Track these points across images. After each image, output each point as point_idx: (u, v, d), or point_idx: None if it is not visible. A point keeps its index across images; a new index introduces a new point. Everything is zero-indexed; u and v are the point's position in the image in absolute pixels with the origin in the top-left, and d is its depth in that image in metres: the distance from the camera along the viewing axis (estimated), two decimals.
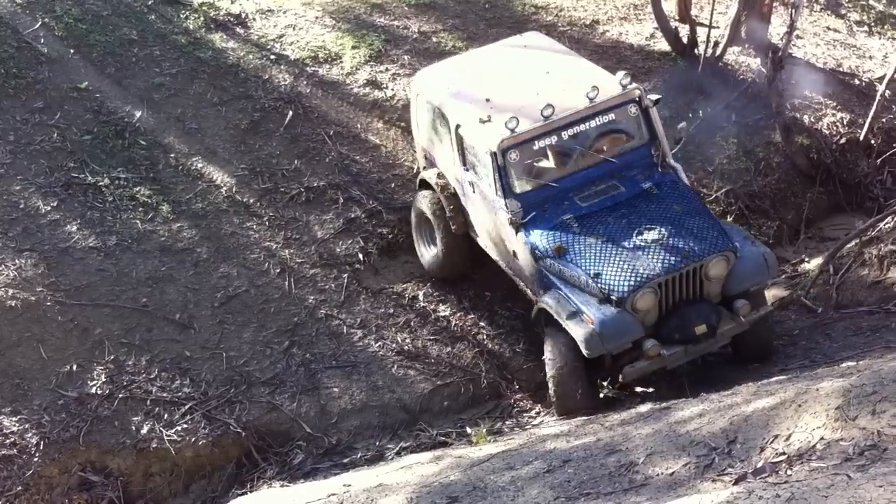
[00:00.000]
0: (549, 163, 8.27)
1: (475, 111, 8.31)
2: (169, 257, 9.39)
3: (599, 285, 7.40)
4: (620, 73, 8.34)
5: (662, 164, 8.22)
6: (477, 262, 9.43)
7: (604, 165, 8.17)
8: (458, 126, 8.47)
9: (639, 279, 7.27)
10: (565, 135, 8.10)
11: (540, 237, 7.81)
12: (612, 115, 8.21)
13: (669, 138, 8.49)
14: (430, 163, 9.42)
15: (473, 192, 8.54)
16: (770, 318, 8.06)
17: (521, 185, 8.06)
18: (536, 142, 8.05)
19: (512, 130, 7.85)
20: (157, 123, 10.70)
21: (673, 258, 7.35)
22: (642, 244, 7.49)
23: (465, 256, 9.32)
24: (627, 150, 8.25)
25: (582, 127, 8.14)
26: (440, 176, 9.11)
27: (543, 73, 8.75)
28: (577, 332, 7.29)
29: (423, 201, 9.32)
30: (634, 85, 8.35)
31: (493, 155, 7.96)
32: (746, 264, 7.58)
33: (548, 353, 7.80)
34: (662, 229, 7.58)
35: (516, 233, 8.01)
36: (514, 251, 8.23)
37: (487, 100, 8.37)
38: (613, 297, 7.32)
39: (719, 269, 7.47)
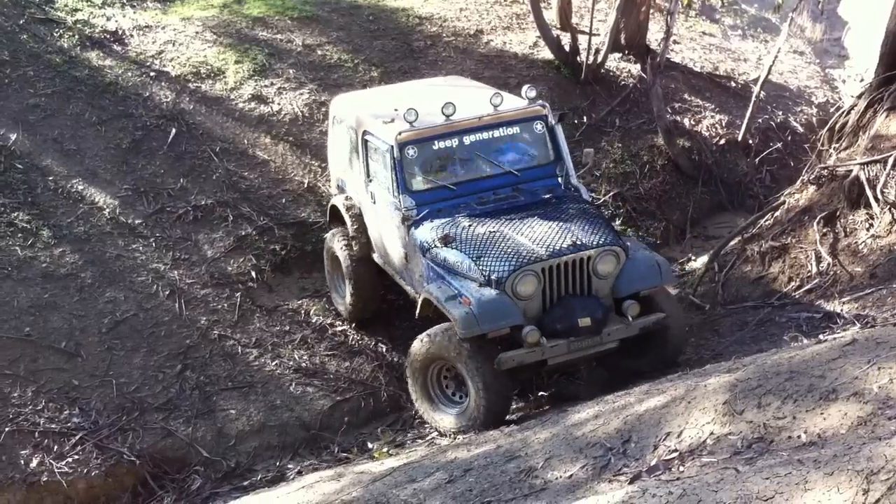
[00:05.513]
0: (449, 167, 8.25)
1: (382, 117, 8.36)
2: (52, 284, 9.06)
3: (481, 268, 7.36)
4: (526, 87, 8.38)
5: (566, 184, 8.26)
6: (391, 303, 9.50)
7: (506, 177, 8.19)
8: (364, 132, 8.48)
9: (520, 261, 7.26)
10: (467, 139, 8.11)
11: (429, 231, 7.79)
12: (517, 129, 8.24)
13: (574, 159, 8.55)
14: (342, 190, 9.41)
15: (374, 202, 8.52)
16: (682, 325, 7.96)
17: (417, 184, 8.04)
18: (437, 142, 8.04)
19: (411, 123, 7.84)
20: (33, 146, 10.34)
21: (558, 245, 7.36)
22: (530, 234, 7.52)
23: (374, 288, 9.26)
24: (532, 166, 8.28)
25: (485, 135, 8.14)
26: (348, 198, 9.13)
27: (455, 94, 8.83)
28: (454, 312, 7.21)
29: (330, 238, 9.38)
30: (541, 101, 8.41)
31: (391, 149, 7.95)
32: (638, 266, 7.59)
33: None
34: (553, 224, 7.60)
35: (408, 231, 7.98)
36: (405, 253, 8.18)
37: (396, 109, 8.36)
38: (493, 278, 7.27)
39: (608, 265, 7.47)
